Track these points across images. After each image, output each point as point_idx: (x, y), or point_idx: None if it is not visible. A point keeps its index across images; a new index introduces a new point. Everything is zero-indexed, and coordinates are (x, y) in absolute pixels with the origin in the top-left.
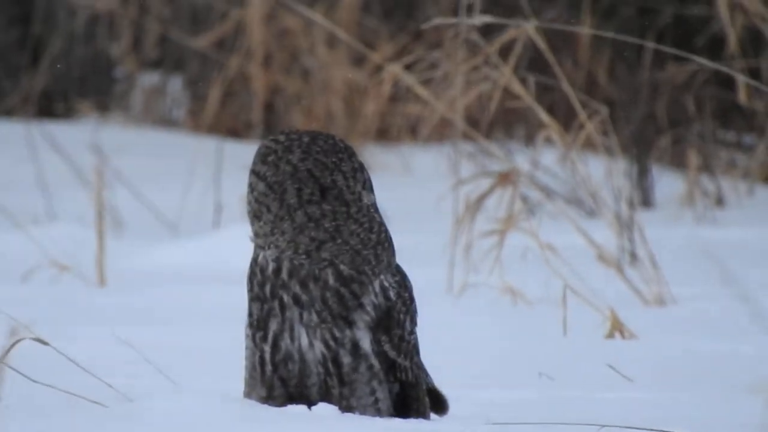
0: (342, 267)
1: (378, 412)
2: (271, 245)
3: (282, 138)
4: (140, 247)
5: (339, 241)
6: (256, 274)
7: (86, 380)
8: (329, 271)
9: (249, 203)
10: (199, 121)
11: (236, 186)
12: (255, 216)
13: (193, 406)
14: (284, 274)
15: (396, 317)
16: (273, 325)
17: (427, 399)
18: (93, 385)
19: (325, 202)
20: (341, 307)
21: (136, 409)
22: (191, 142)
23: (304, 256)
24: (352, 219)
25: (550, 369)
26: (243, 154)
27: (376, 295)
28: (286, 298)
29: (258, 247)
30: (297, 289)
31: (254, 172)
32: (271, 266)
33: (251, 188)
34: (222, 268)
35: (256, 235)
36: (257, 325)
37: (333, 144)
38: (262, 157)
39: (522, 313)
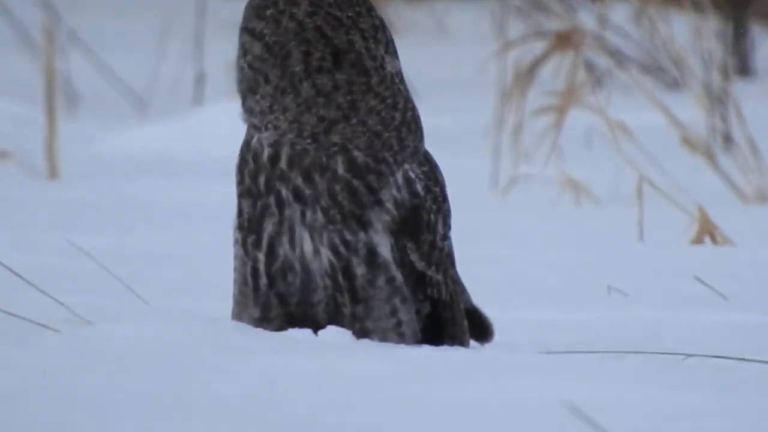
0: (356, 153)
1: (401, 338)
2: (269, 125)
3: None
4: (101, 130)
5: (354, 120)
6: (248, 162)
7: (33, 297)
8: (339, 158)
9: (241, 71)
10: None
11: (222, 51)
12: (249, 88)
13: (165, 331)
14: (283, 163)
15: (425, 218)
16: (268, 227)
17: (465, 322)
18: (42, 303)
19: (339, 69)
20: (354, 203)
21: (95, 334)
22: None
23: (309, 140)
24: (372, 92)
25: (623, 283)
26: (231, 8)
27: (398, 189)
28: (284, 192)
29: (252, 128)
30: (299, 181)
31: (247, 30)
32: (266, 152)
33: (243, 51)
34: (204, 156)
35: (250, 112)
36: (248, 227)
37: None
38: (257, 10)
39: (587, 212)
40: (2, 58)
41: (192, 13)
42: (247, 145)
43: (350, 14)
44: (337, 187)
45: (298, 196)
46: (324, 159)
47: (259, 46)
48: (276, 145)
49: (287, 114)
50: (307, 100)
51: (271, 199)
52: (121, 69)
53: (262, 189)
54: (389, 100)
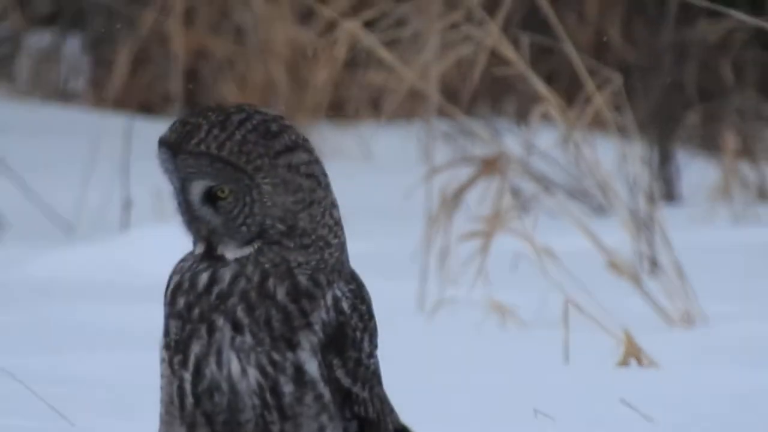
0: (300, 278)
1: None
2: (315, 243)
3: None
4: (27, 254)
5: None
6: (182, 286)
7: None
8: (285, 282)
9: (297, 190)
10: (102, 94)
11: (148, 175)
12: (311, 201)
13: None
14: (234, 296)
15: (351, 335)
16: (195, 348)
17: None
18: None
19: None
20: (285, 327)
21: None
22: (93, 120)
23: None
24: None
25: (549, 406)
26: (158, 134)
27: (327, 310)
28: (220, 321)
29: (297, 252)
30: (239, 312)
31: (282, 152)
32: (203, 279)
33: (294, 168)
34: (131, 280)
35: (303, 234)
36: (175, 346)
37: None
38: (270, 133)
39: (513, 336)
40: None
41: (119, 138)
42: (183, 267)
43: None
44: (273, 312)
45: (236, 326)
46: (272, 286)
47: (302, 152)
48: (215, 273)
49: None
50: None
51: (203, 326)
52: (48, 194)
53: (195, 318)
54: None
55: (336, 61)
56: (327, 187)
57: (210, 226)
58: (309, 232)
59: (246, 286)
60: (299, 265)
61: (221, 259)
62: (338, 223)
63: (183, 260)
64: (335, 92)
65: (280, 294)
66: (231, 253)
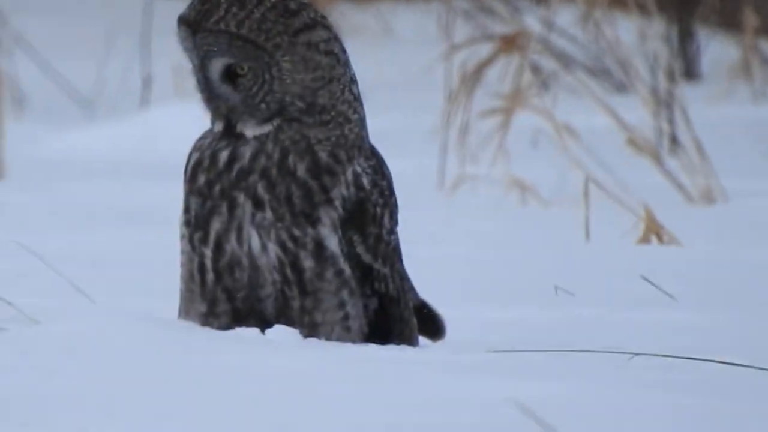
0: (321, 154)
1: (347, 332)
2: (335, 118)
3: None
4: (47, 131)
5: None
6: (202, 163)
7: None
8: (306, 158)
9: (316, 67)
10: None
11: (169, 52)
12: (331, 78)
13: (110, 329)
14: (254, 173)
15: (371, 211)
16: (216, 224)
17: (414, 319)
18: None
19: None
20: (306, 203)
21: (42, 333)
22: None
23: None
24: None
25: (569, 282)
26: (178, 10)
27: (347, 186)
28: (241, 198)
29: (317, 127)
30: (260, 189)
31: (301, 29)
32: (223, 157)
33: (313, 46)
34: (151, 158)
35: (322, 110)
36: (195, 223)
37: None
38: (289, 11)
39: (533, 213)
40: None
41: (138, 15)
42: (204, 144)
43: None
44: (294, 188)
45: (256, 203)
46: (292, 162)
47: (321, 29)
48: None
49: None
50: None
51: (223, 203)
52: (68, 71)
53: (216, 194)
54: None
55: None
56: (346, 64)
57: (229, 103)
58: (328, 108)
59: (266, 163)
60: (319, 141)
61: (241, 137)
62: (357, 98)
63: (202, 138)
64: None
65: (301, 170)
66: (250, 130)
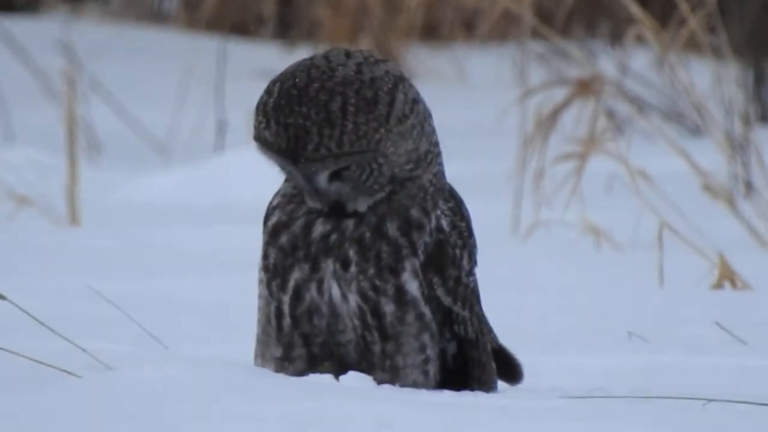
0: (413, 211)
1: (425, 376)
2: (415, 180)
3: (333, 61)
4: (122, 177)
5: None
6: (288, 226)
7: (55, 343)
8: (398, 218)
9: (418, 114)
10: (196, 15)
11: (243, 97)
12: (428, 112)
13: (185, 376)
14: (335, 236)
15: (450, 253)
16: (296, 275)
17: (493, 363)
18: (63, 349)
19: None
20: (393, 259)
21: (116, 379)
22: (186, 42)
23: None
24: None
25: (644, 328)
26: (251, 56)
27: (430, 233)
28: (329, 261)
29: (438, 153)
30: (352, 254)
31: (398, 97)
32: (318, 229)
33: (411, 109)
34: (226, 202)
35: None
36: (273, 270)
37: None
38: (375, 84)
39: (608, 258)
40: (25, 106)
41: (213, 60)
42: (284, 199)
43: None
44: (384, 247)
45: (345, 265)
46: (389, 225)
47: (402, 90)
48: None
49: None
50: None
51: (307, 264)
52: (143, 116)
53: (300, 257)
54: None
55: None
56: (422, 100)
57: (338, 195)
58: (430, 148)
59: (363, 230)
60: (412, 197)
61: (353, 215)
62: (434, 129)
63: (285, 194)
64: (428, 13)
65: (392, 229)
66: (363, 206)
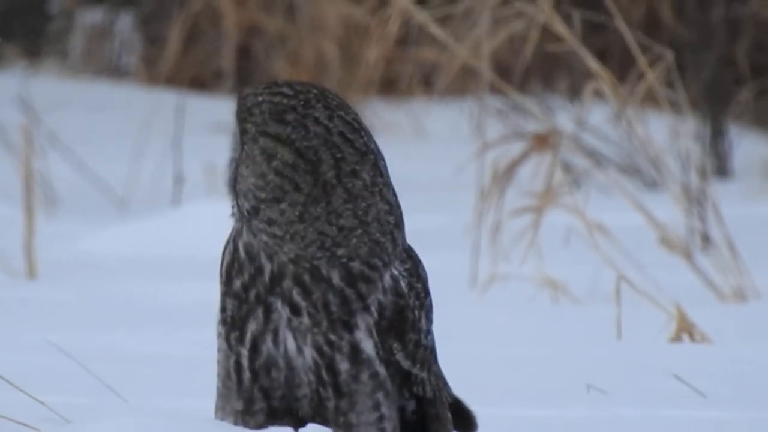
0: (353, 263)
1: None
2: (295, 237)
3: (287, 90)
4: (80, 230)
5: (363, 229)
6: (239, 268)
7: (13, 396)
8: (338, 268)
9: (261, 177)
10: (154, 71)
11: (201, 151)
12: (275, 198)
13: (143, 430)
14: (286, 279)
15: (410, 318)
16: (252, 326)
17: (449, 415)
18: (21, 402)
19: (363, 173)
20: (343, 310)
21: None
22: (144, 96)
23: (328, 253)
24: (381, 196)
25: (602, 381)
26: (209, 111)
27: (384, 292)
28: (278, 304)
29: (272, 240)
30: (295, 295)
31: (268, 135)
32: (268, 268)
33: (267, 157)
34: (183, 255)
35: (270, 223)
36: (232, 323)
37: (340, 98)
38: (275, 114)
39: (565, 311)
40: None
41: (171, 113)
42: (234, 247)
43: (354, 117)
44: (331, 296)
45: (294, 309)
46: (324, 271)
47: (288, 152)
48: (283, 263)
49: (316, 224)
50: (336, 208)
51: (260, 308)
52: (101, 169)
53: (252, 300)
54: (393, 201)
55: (388, 37)
56: (377, 150)
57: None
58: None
59: (299, 270)
60: (350, 259)
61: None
62: (392, 199)
63: (233, 236)
64: (387, 68)
65: (336, 278)
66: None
